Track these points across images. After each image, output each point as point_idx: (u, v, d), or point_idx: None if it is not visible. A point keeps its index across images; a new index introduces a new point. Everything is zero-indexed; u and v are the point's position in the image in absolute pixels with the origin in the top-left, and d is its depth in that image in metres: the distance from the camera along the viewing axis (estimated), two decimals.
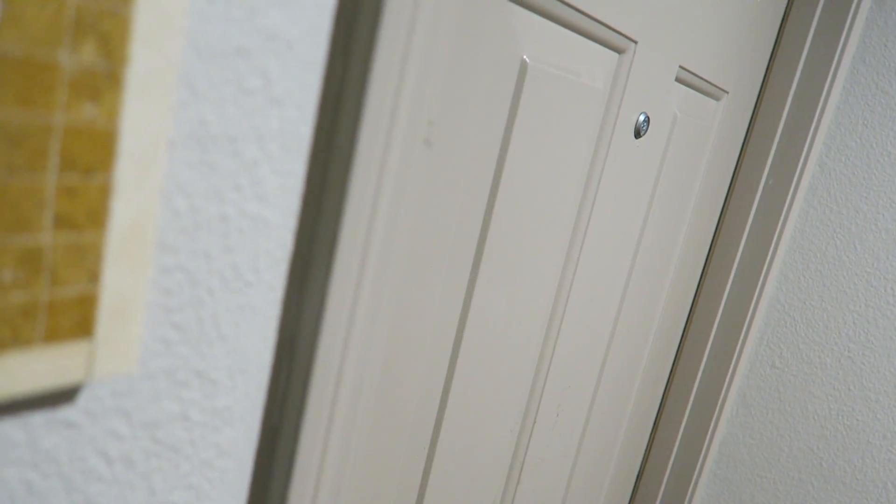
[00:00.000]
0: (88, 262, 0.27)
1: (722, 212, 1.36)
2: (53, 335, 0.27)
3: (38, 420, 0.30)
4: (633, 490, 1.48)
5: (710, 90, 1.18)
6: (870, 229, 1.29)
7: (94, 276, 0.27)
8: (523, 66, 0.68)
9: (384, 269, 0.42)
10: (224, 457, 0.39)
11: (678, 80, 1.06)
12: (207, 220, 0.34)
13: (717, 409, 1.38)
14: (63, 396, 0.30)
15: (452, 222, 0.59)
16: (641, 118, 0.97)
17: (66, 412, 0.31)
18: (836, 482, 1.33)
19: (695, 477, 1.41)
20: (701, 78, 1.12)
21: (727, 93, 1.24)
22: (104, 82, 0.25)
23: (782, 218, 1.31)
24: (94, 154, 0.26)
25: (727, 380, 1.36)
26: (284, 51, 0.34)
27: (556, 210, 0.83)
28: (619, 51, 0.87)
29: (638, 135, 0.98)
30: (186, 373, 0.36)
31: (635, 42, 0.89)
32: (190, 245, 0.33)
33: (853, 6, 1.26)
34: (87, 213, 0.26)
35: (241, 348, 0.38)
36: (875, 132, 1.27)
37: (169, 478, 0.37)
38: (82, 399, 0.31)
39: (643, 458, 1.46)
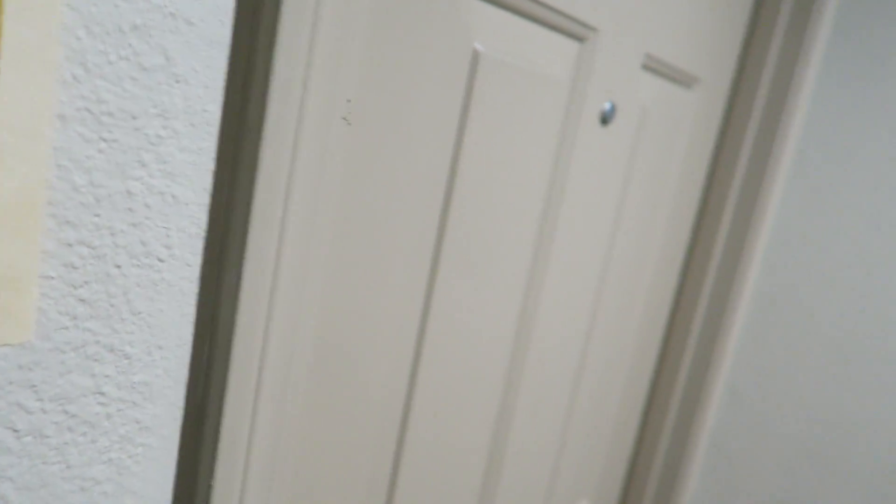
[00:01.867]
0: None
1: (702, 200, 1.36)
2: None
3: None
4: (626, 481, 1.48)
5: (680, 77, 1.17)
6: (851, 213, 1.29)
7: None
8: (475, 55, 0.68)
9: (307, 245, 0.43)
10: (146, 433, 0.40)
11: (646, 67, 1.06)
12: (110, 196, 0.35)
13: (706, 398, 1.38)
14: None
15: (400, 207, 0.59)
16: (607, 106, 0.97)
17: None
18: (826, 469, 1.33)
19: (686, 467, 1.40)
20: (670, 65, 1.12)
21: (699, 80, 1.24)
22: None
23: (762, 205, 1.31)
24: None
25: (714, 369, 1.36)
26: (185, 29, 0.35)
27: (521, 198, 0.83)
28: (579, 39, 0.87)
29: (604, 122, 0.99)
30: (98, 347, 0.36)
31: (596, 30, 0.89)
32: (92, 220, 0.34)
33: None
34: None
35: (157, 324, 0.39)
36: (852, 115, 1.27)
37: (85, 452, 0.37)
38: None
39: (633, 450, 1.45)
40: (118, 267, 0.36)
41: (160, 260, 0.38)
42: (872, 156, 1.27)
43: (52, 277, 0.33)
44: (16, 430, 0.34)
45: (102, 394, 0.37)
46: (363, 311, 0.57)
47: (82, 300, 0.35)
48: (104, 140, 0.33)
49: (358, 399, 0.60)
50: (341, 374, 0.58)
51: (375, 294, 0.59)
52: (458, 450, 0.86)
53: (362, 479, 0.66)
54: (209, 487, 0.42)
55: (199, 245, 0.39)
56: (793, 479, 1.36)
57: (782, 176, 1.33)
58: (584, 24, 0.86)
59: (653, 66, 1.07)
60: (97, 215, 0.34)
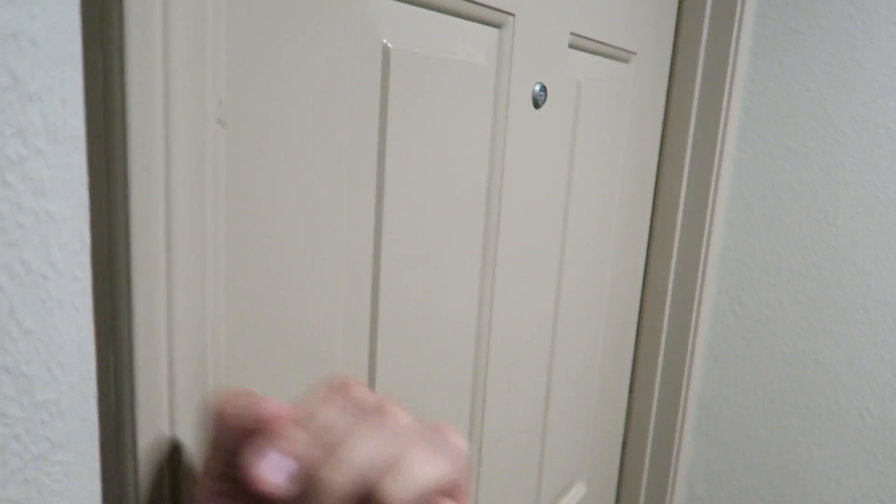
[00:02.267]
0: None
1: (657, 171, 1.37)
2: None
3: None
4: (621, 458, 1.47)
5: (613, 53, 1.19)
6: (803, 165, 1.30)
7: None
8: (386, 51, 0.69)
9: (200, 248, 0.44)
10: (61, 450, 0.41)
11: (574, 46, 1.07)
12: None
13: (688, 365, 1.38)
14: None
15: (321, 213, 0.60)
16: (537, 88, 0.98)
17: None
18: (814, 418, 1.33)
19: (678, 436, 1.40)
20: (599, 42, 1.13)
21: (635, 53, 1.25)
22: None
23: (717, 168, 1.32)
24: None
25: (692, 335, 1.37)
26: (30, 48, 0.36)
27: (461, 188, 0.84)
28: (496, 25, 0.89)
29: (537, 105, 1.00)
30: None
31: (512, 15, 0.90)
32: None
33: None
34: None
35: (52, 341, 0.39)
36: (791, 70, 1.28)
37: None
38: None
39: (625, 426, 1.45)
40: (0, 289, 0.37)
41: (45, 277, 0.38)
42: (814, 106, 1.28)
43: None
44: None
45: (5, 415, 0.38)
46: (292, 315, 0.58)
47: None
48: None
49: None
50: (288, 383, 0.58)
51: (306, 299, 0.60)
52: None
53: None
54: (137, 499, 0.42)
55: (85, 259, 0.40)
56: (784, 433, 1.36)
57: (732, 137, 1.34)
58: (500, 10, 0.87)
59: (581, 45, 1.09)
60: None
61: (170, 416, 0.44)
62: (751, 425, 1.37)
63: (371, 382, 0.74)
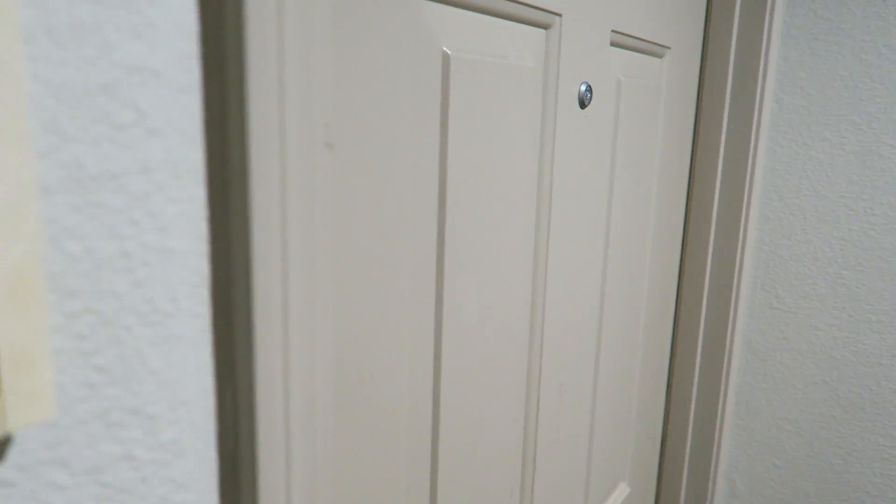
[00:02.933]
0: None
1: (691, 165, 1.36)
2: None
3: None
4: (661, 457, 1.47)
5: (650, 49, 1.18)
6: (837, 154, 1.29)
7: None
8: (446, 59, 0.69)
9: (311, 275, 0.43)
10: (182, 490, 0.40)
11: (614, 44, 1.06)
12: (108, 259, 0.34)
13: (726, 360, 1.37)
14: None
15: (398, 220, 0.59)
16: (583, 88, 0.98)
17: None
18: (856, 410, 1.32)
19: (717, 432, 1.40)
20: (638, 38, 1.12)
21: (669, 48, 1.24)
22: None
23: (751, 159, 1.31)
24: None
25: (729, 330, 1.36)
26: (152, 81, 0.35)
27: (513, 192, 0.83)
28: (544, 27, 0.88)
29: (583, 105, 0.99)
30: (121, 413, 0.36)
31: (559, 15, 0.89)
32: (93, 286, 0.34)
33: None
34: None
35: (175, 380, 0.38)
36: (823, 59, 1.27)
37: None
38: (12, 455, 0.32)
39: (664, 422, 1.45)
40: (128, 329, 0.35)
41: (168, 315, 0.37)
42: (847, 93, 1.27)
43: (64, 350, 0.33)
44: None
45: (133, 458, 0.37)
46: (376, 331, 0.57)
47: (98, 368, 0.34)
48: (92, 205, 0.33)
49: (385, 419, 0.60)
50: (365, 396, 0.57)
51: (384, 311, 0.59)
52: (491, 450, 0.86)
53: (406, 495, 0.66)
54: None
55: (204, 294, 0.39)
56: (825, 427, 1.36)
57: (765, 128, 1.33)
58: (547, 11, 0.86)
59: (621, 42, 1.08)
60: (97, 281, 0.34)
61: (286, 451, 0.43)
62: (790, 419, 1.36)
63: (436, 389, 0.73)
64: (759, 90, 1.29)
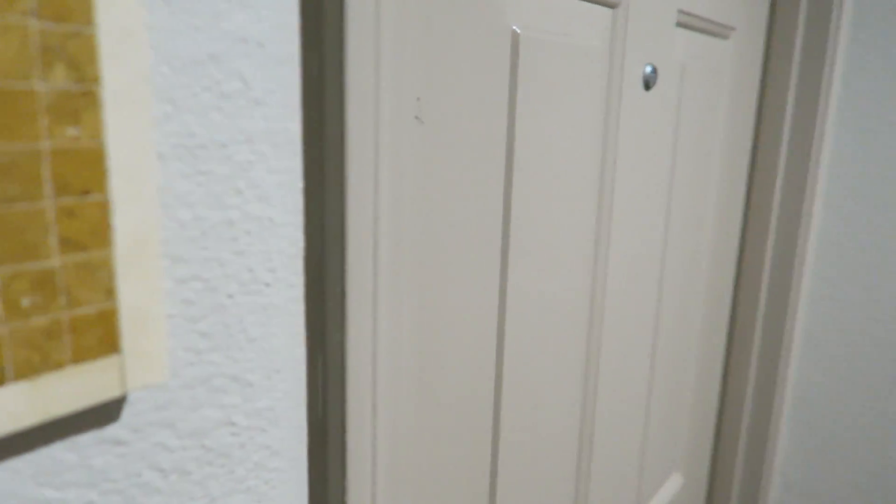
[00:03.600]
0: (101, 279, 0.28)
1: (753, 151, 1.33)
2: (81, 354, 0.28)
3: (86, 440, 0.31)
4: (714, 449, 1.45)
5: (715, 29, 1.15)
6: None
7: (109, 293, 0.29)
8: (515, 37, 0.68)
9: (400, 249, 0.43)
10: (276, 457, 0.40)
11: (680, 24, 1.04)
12: (214, 227, 0.35)
13: (784, 352, 1.34)
14: (105, 415, 0.32)
15: (469, 200, 0.59)
16: (648, 69, 0.96)
17: (112, 430, 0.32)
18: None
19: (774, 424, 1.37)
20: (703, 18, 1.10)
21: (734, 28, 1.21)
22: (81, 103, 0.26)
23: (815, 146, 1.27)
24: (85, 174, 0.27)
25: (788, 321, 1.33)
26: (257, 51, 0.35)
27: (576, 174, 0.82)
28: (611, 6, 0.86)
29: (648, 86, 0.97)
30: (222, 379, 0.37)
31: None
32: (201, 253, 0.34)
33: None
34: (89, 231, 0.27)
35: (271, 348, 0.39)
36: (895, 41, 1.22)
37: (225, 483, 0.38)
38: (125, 415, 0.33)
39: (718, 416, 1.42)
40: (230, 297, 0.36)
41: (266, 284, 0.38)
42: None
43: (174, 315, 0.34)
44: (161, 470, 0.35)
45: (233, 424, 0.38)
46: (447, 311, 0.57)
47: (203, 334, 0.35)
48: (201, 173, 0.34)
49: (454, 399, 0.60)
50: (438, 375, 0.57)
51: (456, 289, 0.59)
52: (550, 434, 0.86)
53: (468, 475, 0.66)
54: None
55: (299, 265, 0.39)
56: (886, 422, 1.32)
57: (832, 112, 1.29)
58: None
59: (686, 22, 1.05)
60: (205, 248, 0.34)
61: (372, 422, 0.43)
62: (849, 414, 1.33)
63: (498, 373, 0.73)
64: (826, 73, 1.25)
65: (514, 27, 0.67)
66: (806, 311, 1.37)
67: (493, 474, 0.75)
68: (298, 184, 0.38)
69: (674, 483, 1.32)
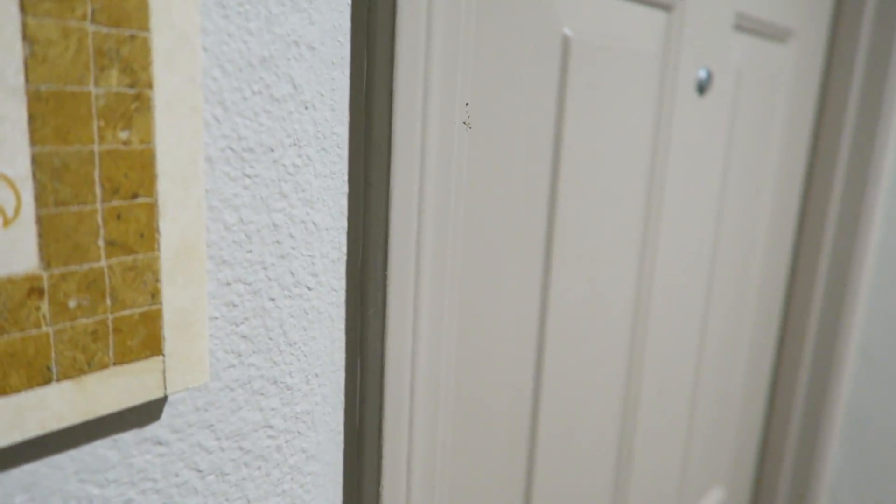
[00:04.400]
0: (146, 281, 0.28)
1: (810, 156, 1.28)
2: (125, 355, 0.28)
3: (128, 439, 0.31)
4: (759, 463, 1.41)
5: (774, 32, 1.11)
6: None
7: (154, 295, 0.29)
8: (566, 41, 0.67)
9: (443, 257, 0.42)
10: (312, 461, 0.40)
11: (737, 27, 1.01)
12: (258, 231, 0.35)
13: (838, 365, 1.29)
14: (147, 415, 0.32)
15: (513, 207, 0.58)
16: (703, 74, 0.93)
17: (153, 430, 0.32)
18: None
19: (824, 442, 1.32)
20: (762, 21, 1.06)
21: (794, 33, 1.17)
22: (133, 107, 0.26)
23: (876, 156, 1.22)
24: (134, 177, 0.27)
25: (845, 334, 1.28)
26: (308, 55, 0.35)
27: (624, 181, 0.80)
28: (666, 8, 0.84)
29: (702, 91, 0.94)
30: (262, 381, 0.37)
31: None
32: (245, 256, 0.34)
33: None
34: (137, 234, 0.28)
35: (311, 352, 0.39)
36: None
37: (261, 486, 0.38)
38: (166, 416, 0.33)
39: (763, 429, 1.38)
40: (272, 300, 0.36)
41: (308, 288, 0.38)
42: None
43: (217, 317, 0.34)
44: (199, 471, 0.35)
45: (271, 427, 0.38)
46: (484, 317, 0.56)
47: (244, 336, 0.35)
48: (248, 176, 0.34)
49: (492, 407, 0.59)
50: (473, 383, 0.57)
51: (497, 297, 0.58)
52: (588, 444, 0.84)
53: (503, 483, 0.65)
54: None
55: (341, 269, 0.39)
56: None
57: None
58: None
59: (744, 25, 1.02)
60: (249, 251, 0.34)
61: (409, 430, 0.43)
62: None
63: (537, 381, 0.72)
64: (891, 81, 1.20)
65: (566, 30, 0.66)
66: (861, 326, 1.32)
67: (529, 483, 0.74)
68: (343, 188, 0.38)
69: (715, 496, 1.29)
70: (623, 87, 0.78)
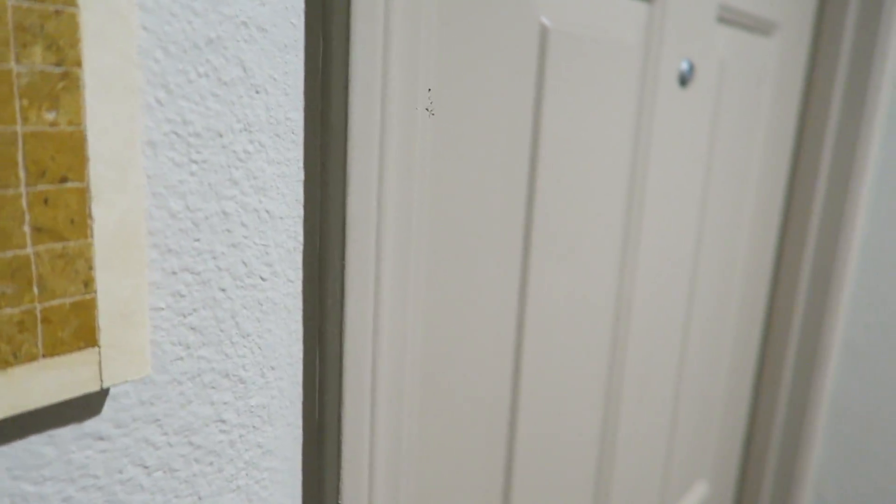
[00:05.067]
0: (78, 269, 0.27)
1: (795, 150, 1.28)
2: (56, 347, 0.27)
3: (66, 434, 0.30)
4: (743, 457, 1.40)
5: (758, 25, 1.11)
6: None
7: (87, 284, 0.28)
8: (543, 31, 0.66)
9: (405, 246, 0.41)
10: (269, 456, 0.39)
11: (720, 19, 1.00)
12: (207, 219, 0.34)
13: (822, 359, 1.29)
14: (86, 409, 0.31)
15: (487, 197, 0.57)
16: (685, 66, 0.92)
17: (93, 425, 0.31)
18: None
19: (808, 435, 1.32)
20: (746, 13, 1.05)
21: (778, 25, 1.16)
22: (60, 86, 0.25)
23: (861, 149, 1.22)
24: (62, 160, 0.26)
25: (827, 330, 1.28)
26: (258, 36, 0.34)
27: (606, 174, 0.79)
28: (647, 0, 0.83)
29: (684, 83, 0.94)
30: (213, 375, 0.35)
31: None
32: (193, 245, 0.33)
33: None
34: (67, 220, 0.26)
35: (266, 345, 0.37)
36: None
37: (214, 482, 0.37)
38: (108, 410, 0.32)
39: (748, 423, 1.38)
40: (223, 290, 0.35)
41: (262, 279, 0.37)
42: None
43: (162, 308, 0.33)
44: (146, 467, 0.34)
45: (223, 421, 0.36)
46: (462, 310, 0.55)
47: (193, 328, 0.34)
48: (194, 162, 0.32)
49: (466, 402, 0.58)
50: (448, 377, 0.56)
51: (471, 290, 0.57)
52: (569, 442, 0.83)
53: (479, 481, 0.65)
54: None
55: (298, 259, 0.38)
56: None
57: (881, 115, 1.23)
58: None
59: (728, 17, 1.01)
60: (197, 240, 0.33)
61: (371, 424, 0.41)
62: (891, 429, 1.27)
63: (516, 374, 0.71)
64: (875, 74, 1.20)
65: (544, 20, 0.65)
66: (846, 319, 1.31)
67: (508, 480, 0.73)
68: (299, 176, 0.37)
69: (699, 490, 1.28)
70: (604, 78, 0.77)
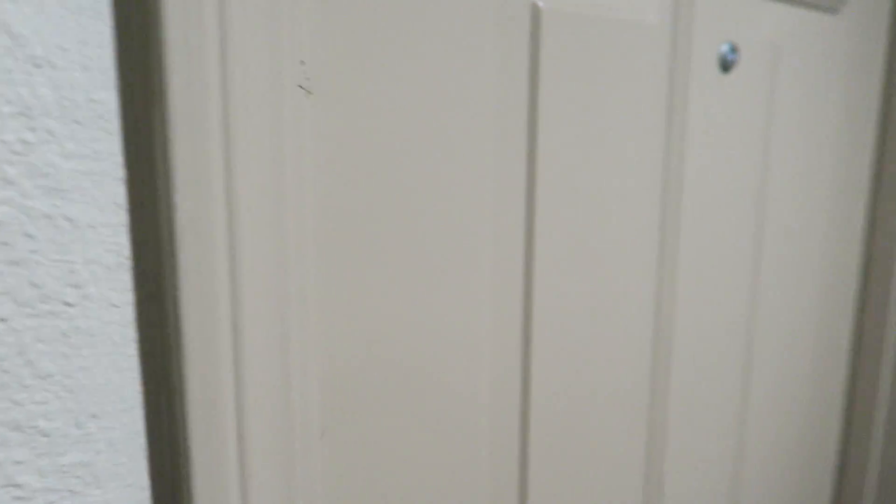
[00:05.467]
0: None
1: (877, 147, 1.11)
2: None
3: None
4: (838, 494, 1.23)
5: (819, 1, 0.97)
6: None
7: None
8: (535, 11, 0.57)
9: (283, 258, 0.33)
10: None
11: None
12: None
13: None
14: None
15: (453, 204, 0.48)
16: (725, 48, 0.81)
17: None
18: None
19: None
20: None
21: (845, 1, 1.02)
22: None
23: None
24: None
25: None
26: None
27: (630, 173, 0.69)
28: None
29: (726, 68, 0.82)
30: None
31: None
32: None
33: None
34: None
35: (80, 387, 0.30)
36: None
37: None
38: None
39: (841, 453, 1.20)
40: (2, 321, 0.27)
41: (68, 304, 0.29)
42: None
43: None
44: None
45: (18, 486, 0.29)
46: (404, 329, 0.46)
47: None
48: None
49: (412, 465, 0.49)
50: (367, 423, 0.46)
51: (446, 309, 0.48)
52: (604, 484, 0.72)
53: None
54: None
55: (125, 278, 0.30)
56: None
57: None
58: None
59: None
60: None
61: (241, 485, 0.33)
62: None
63: (524, 400, 0.61)
64: None
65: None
66: None
67: None
68: (117, 173, 0.29)
69: None
70: (619, 64, 0.68)
